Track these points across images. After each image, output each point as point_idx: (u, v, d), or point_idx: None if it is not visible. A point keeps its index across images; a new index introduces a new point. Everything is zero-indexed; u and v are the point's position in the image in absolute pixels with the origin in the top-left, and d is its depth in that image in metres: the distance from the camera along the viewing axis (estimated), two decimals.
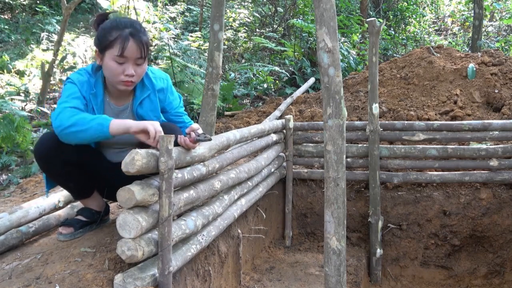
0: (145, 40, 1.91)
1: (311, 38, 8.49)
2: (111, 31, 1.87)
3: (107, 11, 6.62)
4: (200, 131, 1.96)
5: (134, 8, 6.79)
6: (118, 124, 1.75)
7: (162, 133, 1.72)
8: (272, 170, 3.41)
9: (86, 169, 2.06)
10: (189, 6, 11.43)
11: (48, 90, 6.44)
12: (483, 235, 3.73)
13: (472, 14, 9.61)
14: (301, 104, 5.61)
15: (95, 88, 1.97)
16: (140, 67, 1.93)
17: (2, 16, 10.71)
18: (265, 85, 7.93)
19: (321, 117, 4.82)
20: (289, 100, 5.73)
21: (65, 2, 6.38)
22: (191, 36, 7.47)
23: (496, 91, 4.66)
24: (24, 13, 11.22)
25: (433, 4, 14.53)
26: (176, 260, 1.81)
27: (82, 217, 2.15)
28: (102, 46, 1.88)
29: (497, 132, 3.54)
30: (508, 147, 3.53)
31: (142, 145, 1.75)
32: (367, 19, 3.57)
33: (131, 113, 2.08)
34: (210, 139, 1.96)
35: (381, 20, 3.80)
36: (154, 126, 1.72)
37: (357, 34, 9.42)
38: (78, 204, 2.47)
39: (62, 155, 1.91)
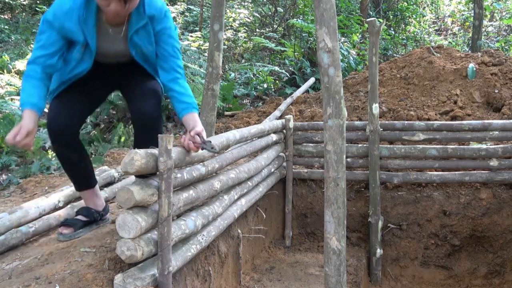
0: None
1: (311, 38, 8.49)
2: None
3: None
4: (204, 134, 1.89)
5: None
6: (24, 116, 1.84)
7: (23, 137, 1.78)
8: (272, 170, 3.41)
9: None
10: (189, 6, 11.42)
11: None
12: (483, 235, 3.73)
13: (472, 14, 9.61)
14: (301, 104, 5.61)
15: (85, 13, 1.85)
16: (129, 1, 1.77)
17: (2, 16, 10.71)
18: (265, 85, 7.93)
19: (321, 117, 4.82)
20: (289, 100, 5.73)
21: None
22: (191, 36, 7.46)
23: (496, 91, 4.66)
24: (24, 13, 11.22)
25: (433, 4, 14.53)
26: (176, 260, 1.81)
27: (82, 216, 2.14)
28: None
29: (497, 132, 3.54)
30: (508, 147, 3.53)
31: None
32: (367, 19, 3.57)
33: (125, 40, 1.98)
34: (216, 151, 1.91)
35: (381, 20, 3.80)
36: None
37: (357, 34, 9.42)
38: (78, 204, 2.47)
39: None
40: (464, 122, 3.61)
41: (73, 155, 2.07)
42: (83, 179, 2.19)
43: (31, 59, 1.91)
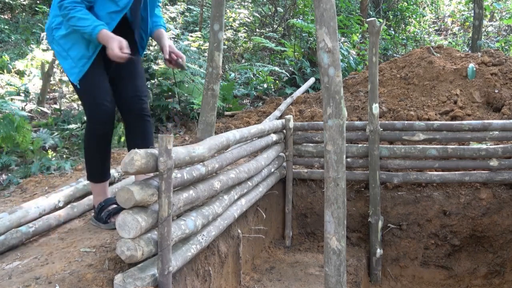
0: None
1: (311, 38, 8.49)
2: None
3: None
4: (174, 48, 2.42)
5: None
6: (103, 37, 2.08)
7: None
8: (272, 170, 3.41)
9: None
10: (189, 6, 11.42)
11: (48, 90, 6.44)
12: (483, 235, 3.73)
13: (472, 14, 9.60)
14: (301, 104, 5.60)
15: None
16: None
17: (2, 16, 10.71)
18: (265, 85, 7.93)
19: (321, 117, 4.82)
20: (289, 100, 5.73)
21: None
22: (191, 36, 7.45)
23: (496, 91, 4.66)
24: (24, 13, 11.22)
25: (433, 4, 14.53)
26: (176, 260, 1.81)
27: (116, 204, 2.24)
28: None
29: (497, 132, 3.54)
30: (508, 147, 3.53)
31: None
32: (367, 19, 3.57)
33: None
34: (185, 69, 2.45)
35: (381, 20, 3.80)
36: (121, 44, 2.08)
37: (357, 34, 9.42)
38: (78, 204, 2.48)
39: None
40: (464, 122, 3.61)
41: (110, 137, 2.27)
42: (108, 167, 2.36)
43: (67, 2, 2.09)
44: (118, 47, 2.06)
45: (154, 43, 6.56)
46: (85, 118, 5.38)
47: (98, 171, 2.32)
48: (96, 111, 2.18)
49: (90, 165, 2.30)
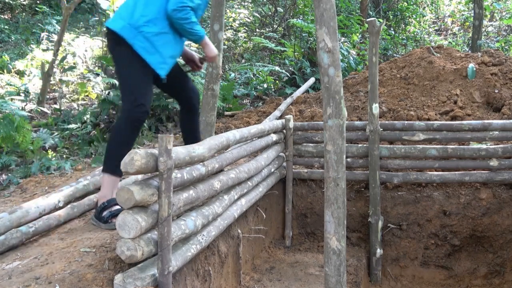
0: None
1: (311, 38, 8.48)
2: None
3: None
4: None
5: None
6: (206, 41, 2.64)
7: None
8: (272, 170, 3.41)
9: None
10: None
11: (48, 90, 6.44)
12: (483, 235, 3.73)
13: (472, 14, 9.60)
14: (301, 104, 5.60)
15: None
16: None
17: (2, 16, 10.71)
18: (265, 85, 7.93)
19: (321, 117, 4.82)
20: (289, 100, 5.73)
21: (65, 2, 6.38)
22: None
23: (496, 91, 4.66)
24: (24, 13, 11.23)
25: (433, 4, 14.52)
26: (176, 260, 1.81)
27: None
28: None
29: (497, 132, 3.54)
30: (508, 147, 3.53)
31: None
32: (367, 19, 3.57)
33: None
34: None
35: (381, 20, 3.80)
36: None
37: (357, 34, 9.42)
38: (78, 204, 2.47)
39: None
40: (464, 122, 3.61)
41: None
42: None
43: (186, 6, 2.44)
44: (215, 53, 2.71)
45: None
46: (85, 118, 5.40)
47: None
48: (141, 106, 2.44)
49: (117, 155, 2.21)
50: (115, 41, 2.44)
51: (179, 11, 2.46)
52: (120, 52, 2.45)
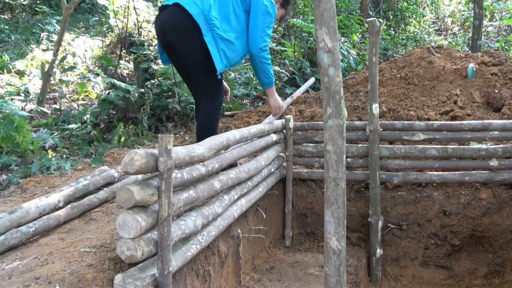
0: None
1: (311, 38, 8.48)
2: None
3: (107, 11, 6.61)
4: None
5: (134, 8, 6.78)
6: (273, 90, 3.28)
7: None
8: (272, 170, 3.41)
9: None
10: None
11: (48, 90, 6.44)
12: (483, 235, 3.73)
13: (472, 14, 9.60)
14: (301, 104, 5.60)
15: None
16: None
17: (2, 16, 10.71)
18: None
19: (321, 117, 4.82)
20: (289, 100, 5.72)
21: (65, 2, 6.39)
22: None
23: (496, 91, 4.66)
24: (24, 13, 11.23)
25: (433, 4, 14.52)
26: (176, 260, 1.81)
27: None
28: (287, 1, 3.31)
29: (497, 132, 3.54)
30: (508, 147, 3.53)
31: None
32: (367, 19, 3.57)
33: None
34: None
35: (381, 20, 3.80)
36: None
37: (357, 34, 9.41)
38: (78, 204, 2.47)
39: None
40: (464, 122, 3.61)
41: None
42: None
43: (267, 46, 2.96)
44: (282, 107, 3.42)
45: (155, 42, 6.56)
46: (85, 118, 5.39)
47: None
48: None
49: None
50: None
51: (264, 51, 2.90)
52: None
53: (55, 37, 7.77)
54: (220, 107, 3.03)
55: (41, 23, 10.00)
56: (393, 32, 11.05)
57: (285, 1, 3.31)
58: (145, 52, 5.97)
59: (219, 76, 2.91)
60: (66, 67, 7.02)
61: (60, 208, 2.42)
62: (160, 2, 8.56)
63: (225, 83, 3.24)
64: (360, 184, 3.87)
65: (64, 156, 4.32)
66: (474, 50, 8.26)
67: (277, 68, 7.98)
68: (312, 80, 7.19)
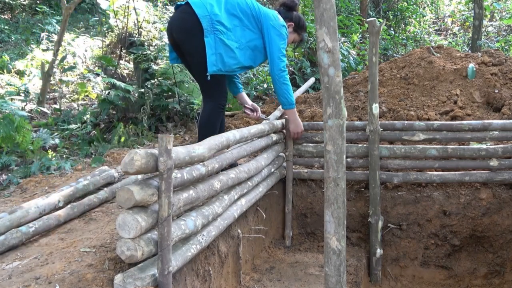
0: None
1: (311, 38, 8.48)
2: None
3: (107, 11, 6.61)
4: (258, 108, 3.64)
5: (134, 8, 6.79)
6: (294, 112, 3.39)
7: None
8: (272, 170, 3.41)
9: None
10: None
11: (48, 90, 6.44)
12: (483, 235, 3.73)
13: (472, 14, 9.60)
14: (301, 104, 5.60)
15: None
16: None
17: (2, 16, 10.72)
18: (265, 85, 7.93)
19: (321, 117, 4.82)
20: None
21: (65, 2, 6.38)
22: None
23: (496, 91, 4.66)
24: (24, 13, 11.23)
25: (433, 4, 14.52)
26: (176, 260, 1.81)
27: None
28: (300, 27, 3.37)
29: (497, 132, 3.53)
30: (508, 147, 3.53)
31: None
32: (367, 19, 3.57)
33: None
34: (268, 119, 3.11)
35: (381, 20, 3.80)
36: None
37: (357, 34, 9.41)
38: (78, 204, 2.47)
39: None
40: (464, 122, 3.61)
41: None
42: None
43: (285, 67, 3.06)
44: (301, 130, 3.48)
45: (155, 43, 6.57)
46: (85, 118, 5.39)
47: None
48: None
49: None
50: None
51: (283, 71, 2.99)
52: None
53: (55, 37, 7.77)
54: (222, 107, 3.03)
55: (41, 23, 9.99)
56: (393, 32, 11.05)
57: (297, 27, 3.34)
58: (145, 52, 5.97)
59: (209, 78, 2.88)
60: (66, 67, 7.02)
61: (60, 208, 2.42)
62: (160, 2, 8.56)
63: (250, 101, 3.52)
64: (360, 184, 3.87)
65: (64, 156, 4.32)
66: (474, 50, 8.26)
67: None
68: (312, 80, 7.19)
